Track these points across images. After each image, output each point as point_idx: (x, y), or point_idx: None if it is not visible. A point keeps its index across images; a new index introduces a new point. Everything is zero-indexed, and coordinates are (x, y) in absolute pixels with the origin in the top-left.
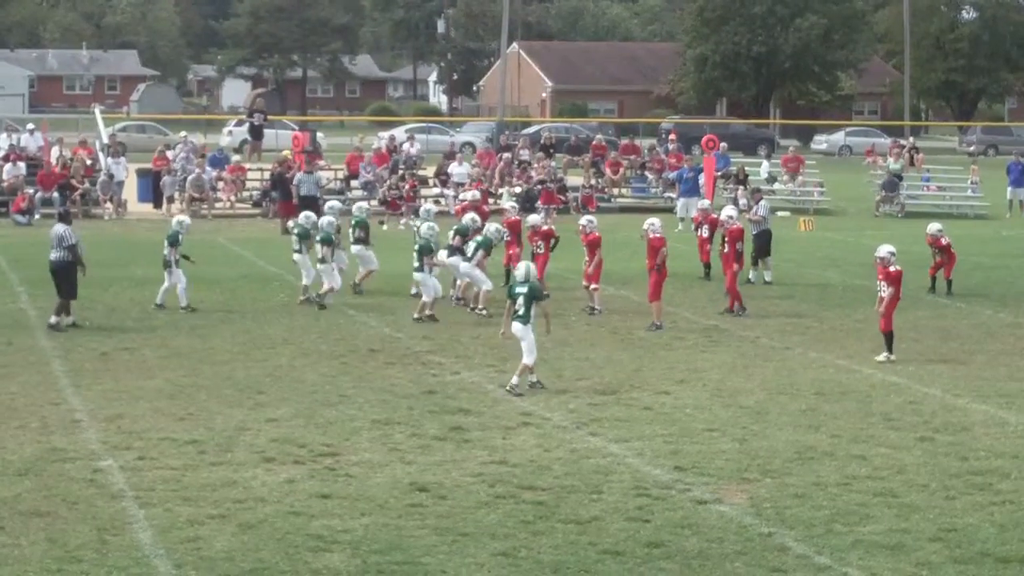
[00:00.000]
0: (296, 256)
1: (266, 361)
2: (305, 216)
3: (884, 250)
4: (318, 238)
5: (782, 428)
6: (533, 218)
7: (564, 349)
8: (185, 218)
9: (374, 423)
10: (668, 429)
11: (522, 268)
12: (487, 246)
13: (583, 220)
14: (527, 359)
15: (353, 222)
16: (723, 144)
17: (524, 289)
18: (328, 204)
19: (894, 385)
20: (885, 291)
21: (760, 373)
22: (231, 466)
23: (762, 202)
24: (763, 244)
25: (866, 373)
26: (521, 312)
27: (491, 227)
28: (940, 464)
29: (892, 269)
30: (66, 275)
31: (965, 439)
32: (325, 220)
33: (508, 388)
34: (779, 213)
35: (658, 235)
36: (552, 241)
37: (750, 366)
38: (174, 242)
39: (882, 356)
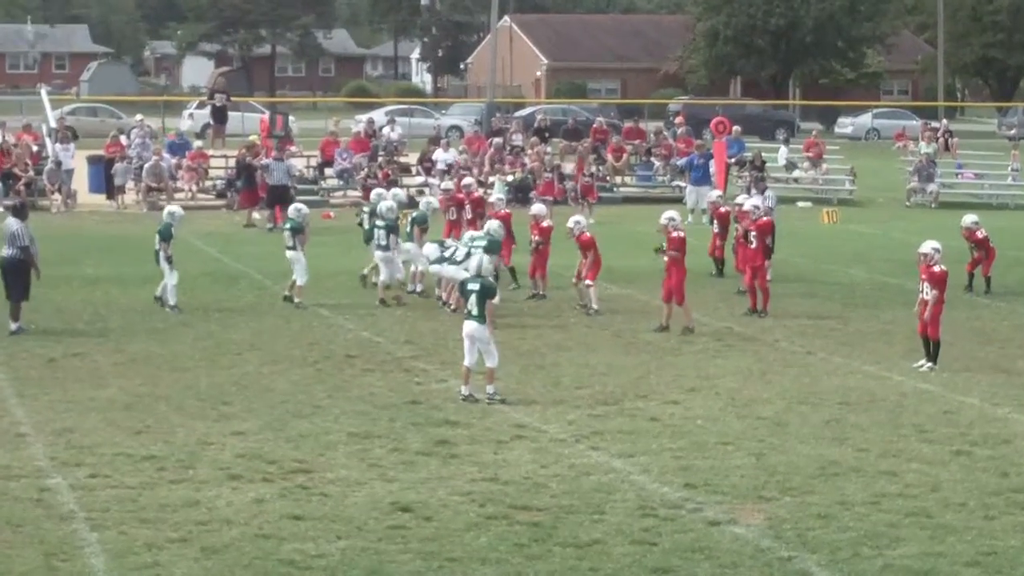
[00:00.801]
0: (289, 253)
1: (232, 368)
2: (295, 209)
3: (928, 246)
4: (380, 224)
5: (803, 441)
6: (537, 208)
7: (562, 354)
8: (177, 208)
9: (351, 436)
10: (677, 443)
11: (475, 261)
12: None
13: (570, 222)
14: (489, 362)
15: (411, 218)
16: (736, 127)
17: (476, 286)
18: (392, 192)
19: (927, 393)
20: (928, 293)
21: (779, 380)
22: (193, 484)
23: (768, 192)
24: None
25: (896, 380)
26: (474, 312)
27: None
28: (978, 481)
29: (936, 268)
30: (17, 275)
31: (1006, 453)
32: (385, 206)
33: (487, 399)
34: (800, 204)
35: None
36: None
37: (768, 372)
38: (166, 236)
39: (924, 365)
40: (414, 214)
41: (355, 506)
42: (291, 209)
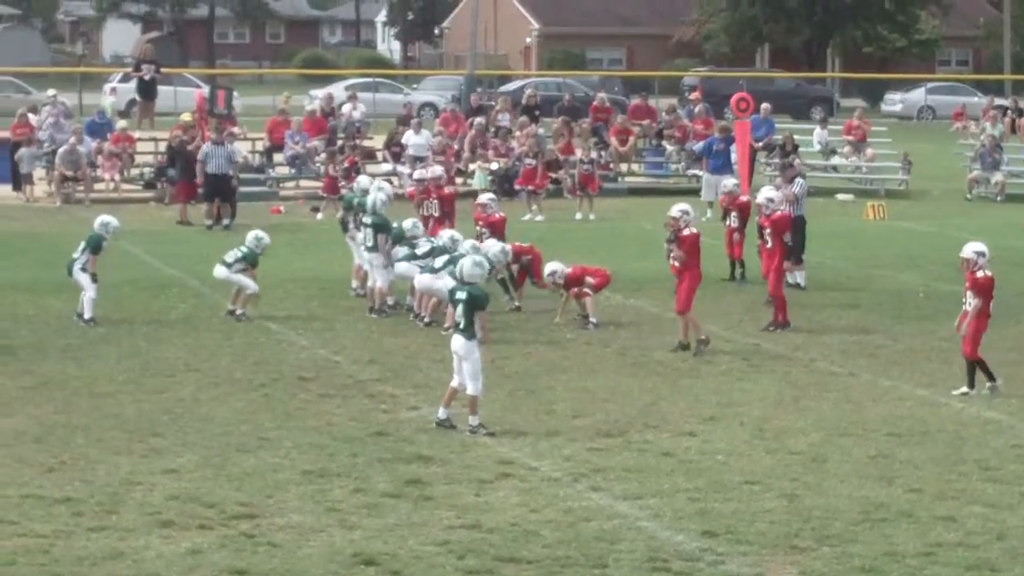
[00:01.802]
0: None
1: (163, 393)
2: (256, 238)
3: (969, 250)
4: (368, 222)
5: (844, 480)
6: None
7: (557, 376)
8: (112, 219)
9: (305, 475)
10: (694, 482)
11: (467, 264)
12: (398, 238)
13: (547, 273)
14: (471, 388)
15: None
16: (765, 105)
17: (463, 295)
18: (359, 180)
19: (992, 423)
20: (971, 303)
21: (815, 407)
22: (117, 532)
23: (797, 180)
24: (795, 236)
25: (955, 408)
26: (462, 324)
27: (407, 223)
28: None
29: (980, 275)
30: None
31: None
32: (380, 199)
33: (470, 431)
34: (840, 197)
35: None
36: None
37: (802, 398)
38: (96, 250)
39: (962, 389)
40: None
41: (309, 558)
42: (250, 237)
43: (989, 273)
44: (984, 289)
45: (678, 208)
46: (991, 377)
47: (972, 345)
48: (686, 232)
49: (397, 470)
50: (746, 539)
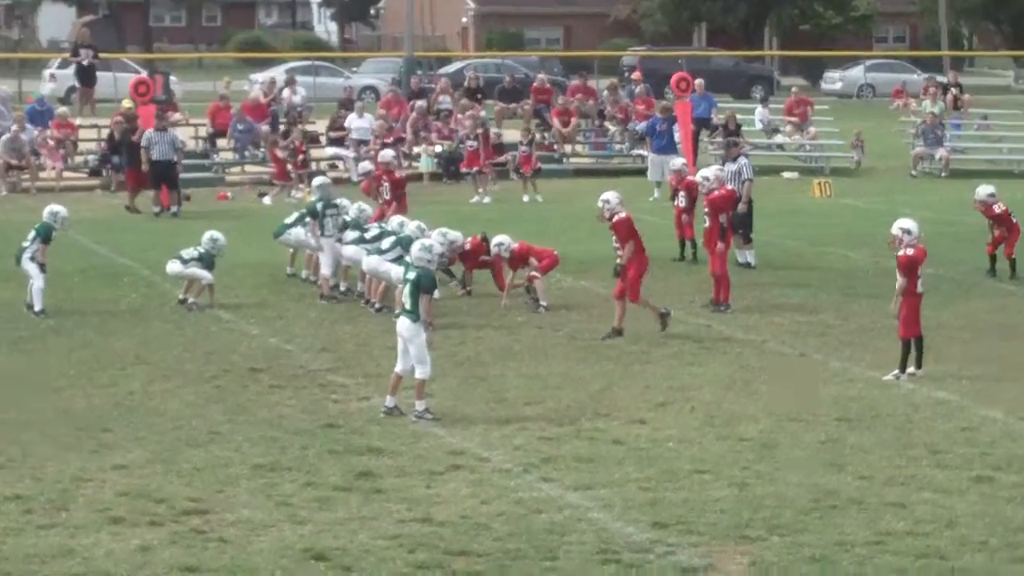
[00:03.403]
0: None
1: (113, 387)
2: (211, 240)
3: (896, 227)
4: (332, 213)
5: (795, 467)
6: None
7: (508, 363)
8: (61, 209)
9: (256, 469)
10: (644, 471)
11: (415, 246)
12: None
13: (494, 244)
14: (419, 372)
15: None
16: (699, 81)
17: (412, 275)
18: (317, 180)
19: (942, 405)
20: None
21: (766, 391)
22: (67, 529)
23: (741, 159)
24: (742, 214)
25: (906, 389)
26: (408, 305)
27: (353, 209)
28: (1003, 514)
29: (901, 253)
30: None
31: None
32: (356, 209)
33: (414, 417)
34: (785, 175)
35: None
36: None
37: (753, 382)
38: (46, 239)
39: (892, 374)
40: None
41: (260, 554)
42: (205, 239)
43: (911, 251)
44: (905, 268)
45: (601, 198)
46: (918, 364)
47: (904, 326)
48: (616, 219)
49: (348, 462)
50: (696, 529)
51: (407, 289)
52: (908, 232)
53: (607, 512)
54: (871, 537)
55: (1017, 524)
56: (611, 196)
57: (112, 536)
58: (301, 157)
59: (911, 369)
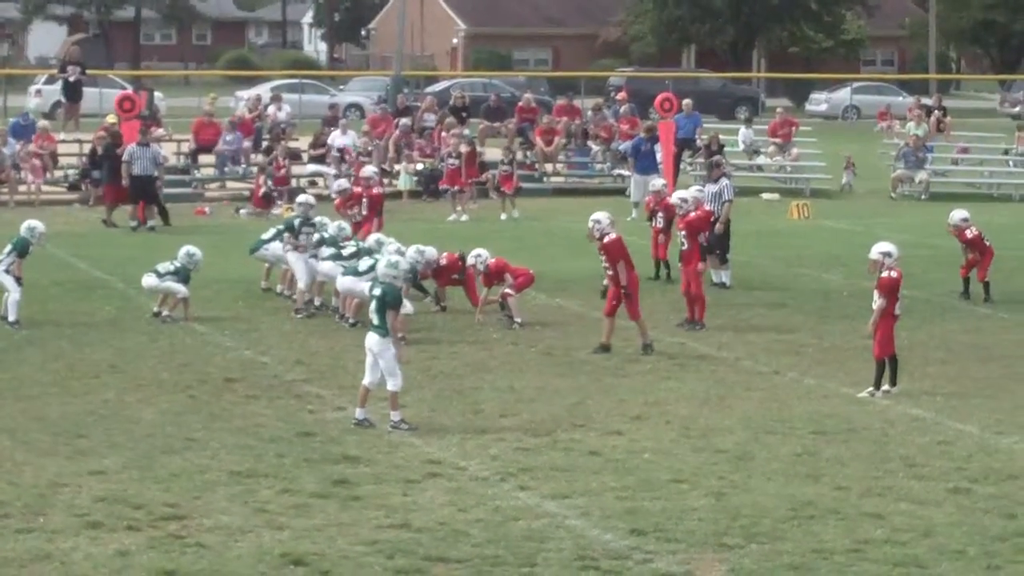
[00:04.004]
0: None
1: (89, 395)
2: (187, 254)
3: (875, 251)
4: (310, 230)
5: (771, 478)
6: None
7: (483, 376)
8: (39, 224)
9: (233, 476)
10: (621, 481)
11: (381, 263)
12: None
13: (471, 256)
14: (390, 384)
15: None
16: (686, 101)
17: (377, 291)
18: (302, 198)
19: (917, 420)
20: (875, 303)
21: (741, 406)
22: (44, 534)
23: (723, 180)
24: (719, 234)
25: (881, 405)
26: (375, 321)
27: (333, 226)
28: (979, 524)
29: (885, 274)
30: None
31: (1011, 490)
32: (335, 226)
33: (390, 427)
34: (765, 196)
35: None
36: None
37: (728, 397)
38: (22, 253)
39: (867, 391)
40: (286, 220)
41: (238, 559)
42: (182, 254)
43: (894, 274)
44: (886, 289)
45: (592, 218)
46: (893, 383)
47: (879, 346)
48: (607, 239)
49: (324, 470)
50: (674, 537)
51: (373, 305)
52: (888, 255)
53: (585, 520)
54: (849, 545)
55: (995, 533)
56: (602, 216)
57: (90, 541)
58: (283, 172)
59: (885, 387)
